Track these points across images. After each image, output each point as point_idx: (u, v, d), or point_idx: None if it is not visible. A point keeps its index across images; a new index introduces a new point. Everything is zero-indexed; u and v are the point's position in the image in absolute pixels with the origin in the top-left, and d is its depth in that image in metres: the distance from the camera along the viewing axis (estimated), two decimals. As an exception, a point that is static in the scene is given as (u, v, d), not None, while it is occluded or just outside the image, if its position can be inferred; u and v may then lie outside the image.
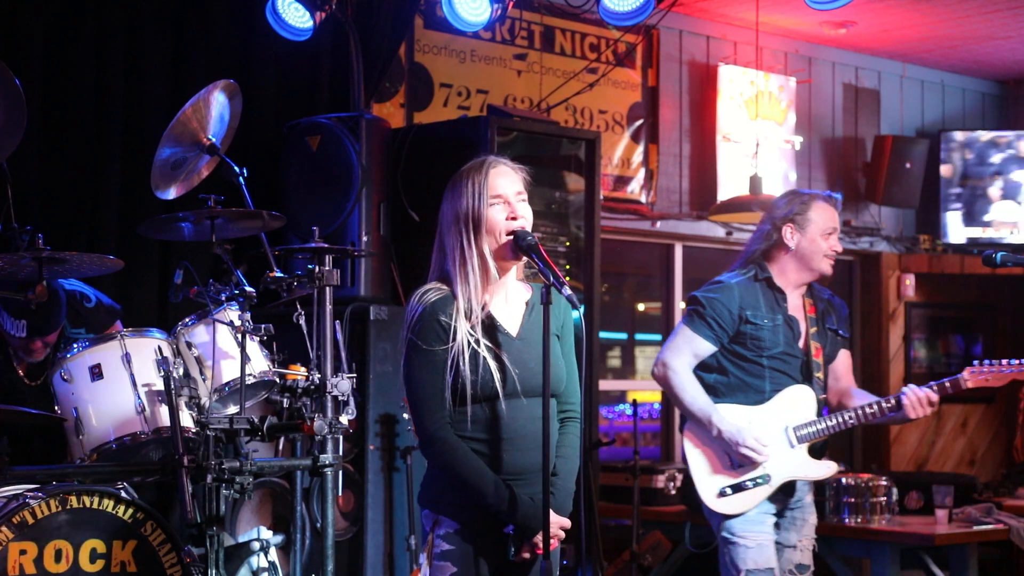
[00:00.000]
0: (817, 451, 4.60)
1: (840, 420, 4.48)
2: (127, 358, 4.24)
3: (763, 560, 4.43)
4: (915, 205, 8.66)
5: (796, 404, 4.51)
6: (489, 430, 3.24)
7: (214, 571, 4.05)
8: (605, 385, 7.90)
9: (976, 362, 4.52)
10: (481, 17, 6.27)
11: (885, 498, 6.07)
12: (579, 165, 6.16)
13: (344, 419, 4.23)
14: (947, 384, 4.48)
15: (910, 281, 8.75)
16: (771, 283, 4.55)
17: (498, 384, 3.22)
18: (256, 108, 5.84)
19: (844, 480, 6.04)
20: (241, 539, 4.91)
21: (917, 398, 4.43)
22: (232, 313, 4.31)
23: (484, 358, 3.21)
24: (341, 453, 4.34)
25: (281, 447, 5.21)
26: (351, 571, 5.40)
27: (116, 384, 4.24)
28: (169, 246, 5.67)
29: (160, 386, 4.18)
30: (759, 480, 4.45)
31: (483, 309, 3.27)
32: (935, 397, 4.44)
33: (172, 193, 4.57)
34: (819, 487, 6.09)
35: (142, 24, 5.78)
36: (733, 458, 4.46)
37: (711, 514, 4.54)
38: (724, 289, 4.53)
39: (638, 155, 7.58)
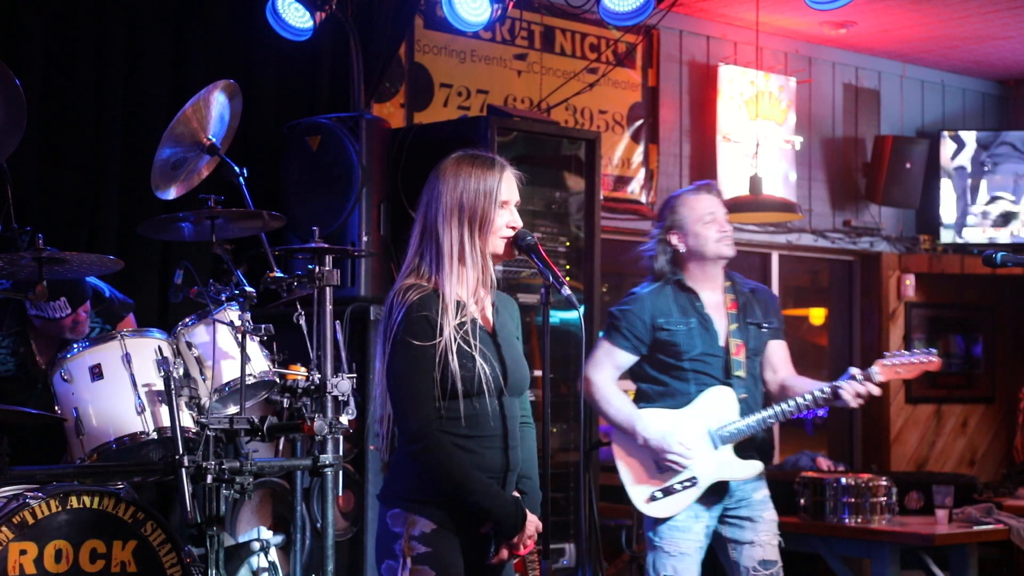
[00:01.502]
0: (758, 447, 4.61)
1: (760, 419, 4.51)
2: (127, 358, 4.24)
3: (683, 568, 4.50)
4: (915, 205, 8.66)
5: (717, 405, 4.54)
6: (481, 427, 3.22)
7: (214, 571, 4.05)
8: (605, 385, 7.89)
9: (886, 353, 4.52)
10: (481, 17, 6.26)
11: (885, 498, 6.07)
12: (579, 165, 6.16)
13: (344, 419, 4.23)
14: (860, 376, 4.46)
15: (910, 281, 8.75)
16: (681, 285, 4.60)
17: (491, 379, 3.22)
18: (256, 108, 5.84)
19: (844, 480, 6.04)
20: (241, 539, 4.91)
21: (857, 392, 4.43)
22: (232, 313, 4.31)
23: (473, 354, 3.21)
24: (341, 453, 4.33)
25: (281, 447, 5.20)
26: (351, 571, 5.39)
27: (116, 384, 4.23)
28: (169, 246, 5.67)
29: (160, 386, 4.18)
30: (686, 483, 4.50)
31: (470, 306, 3.27)
32: (877, 392, 4.44)
33: (172, 193, 4.57)
34: (819, 487, 6.10)
35: (142, 24, 5.78)
36: (660, 464, 4.51)
37: (644, 517, 4.61)
38: (635, 300, 4.62)
39: (638, 155, 7.58)
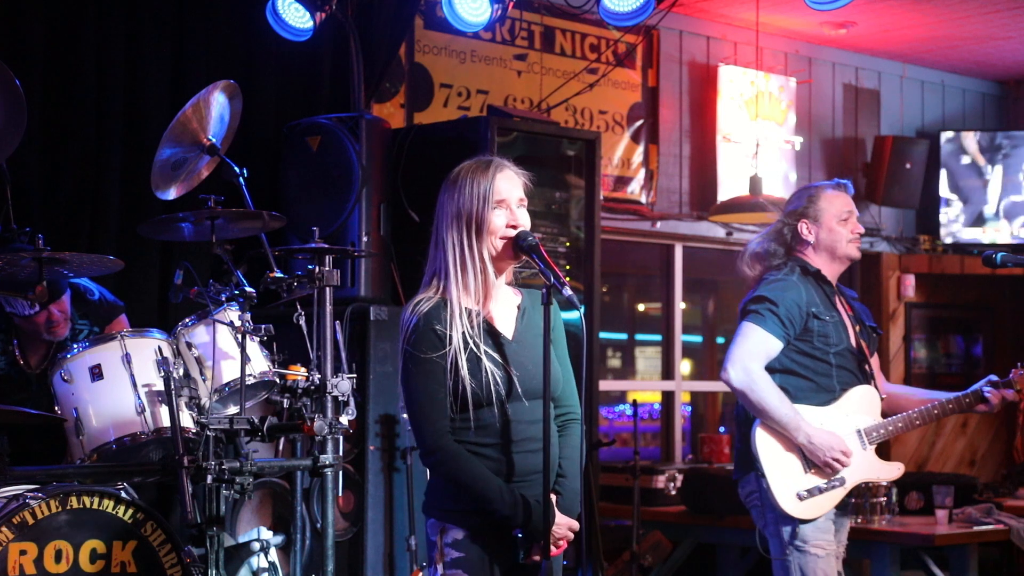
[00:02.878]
0: None
1: (908, 420, 4.42)
2: (127, 358, 4.24)
3: (830, 570, 4.34)
4: (915, 205, 8.66)
5: (865, 404, 4.42)
6: (494, 434, 3.23)
7: (214, 571, 4.05)
8: (605, 385, 7.90)
9: (1020, 363, 4.50)
10: (481, 17, 6.27)
11: (885, 498, 6.06)
12: (579, 165, 6.16)
13: (344, 419, 4.23)
14: (1000, 383, 4.46)
15: (910, 281, 8.75)
16: (820, 277, 4.44)
17: (501, 387, 3.22)
18: (256, 108, 5.84)
19: (844, 480, 6.04)
20: (241, 539, 4.91)
21: (1004, 396, 4.42)
22: (232, 313, 4.31)
23: (484, 362, 3.21)
24: (341, 453, 4.33)
25: (281, 447, 5.21)
26: (351, 571, 5.40)
27: (116, 384, 4.23)
28: (169, 246, 5.67)
29: (160, 386, 4.18)
30: (835, 483, 4.34)
31: (479, 313, 3.27)
32: (1016, 398, 4.44)
33: (172, 193, 4.57)
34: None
35: (142, 24, 5.78)
36: (809, 462, 4.33)
37: (782, 519, 4.36)
38: (791, 286, 4.39)
39: (638, 155, 7.58)
